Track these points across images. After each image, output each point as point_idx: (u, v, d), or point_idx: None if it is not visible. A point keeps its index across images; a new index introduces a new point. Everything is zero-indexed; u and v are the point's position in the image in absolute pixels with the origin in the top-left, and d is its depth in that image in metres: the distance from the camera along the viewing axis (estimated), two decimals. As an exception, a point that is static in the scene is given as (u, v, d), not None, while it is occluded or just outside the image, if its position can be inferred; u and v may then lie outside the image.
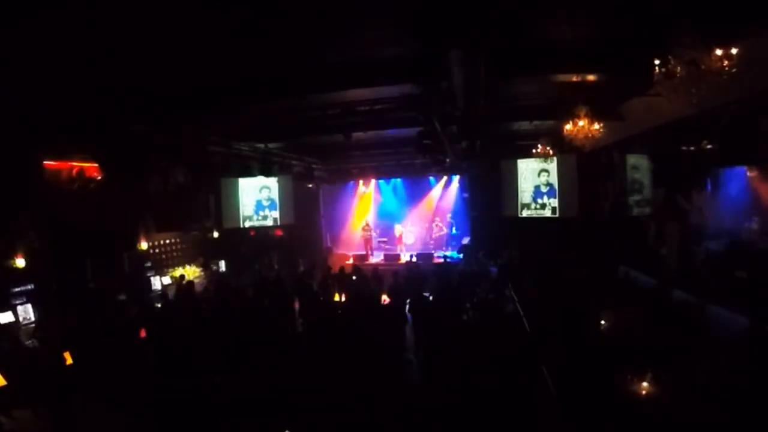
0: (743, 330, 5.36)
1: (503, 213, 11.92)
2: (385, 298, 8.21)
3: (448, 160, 10.34)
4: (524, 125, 8.77)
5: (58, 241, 7.59)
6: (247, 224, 12.73)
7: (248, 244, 12.91)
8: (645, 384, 4.63)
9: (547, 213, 10.90)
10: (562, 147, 7.84)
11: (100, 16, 4.01)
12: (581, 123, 6.36)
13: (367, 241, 15.45)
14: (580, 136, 6.39)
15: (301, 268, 11.45)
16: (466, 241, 14.52)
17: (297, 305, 8.44)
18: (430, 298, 7.95)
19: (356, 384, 5.28)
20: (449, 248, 15.02)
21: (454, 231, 15.43)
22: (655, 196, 7.98)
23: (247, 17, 4.30)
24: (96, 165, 8.09)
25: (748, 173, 6.27)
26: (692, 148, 6.68)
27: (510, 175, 11.79)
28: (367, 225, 15.59)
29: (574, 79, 5.84)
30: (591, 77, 5.79)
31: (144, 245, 9.69)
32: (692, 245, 7.04)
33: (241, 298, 8.46)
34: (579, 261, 9.25)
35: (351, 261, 14.21)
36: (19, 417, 5.34)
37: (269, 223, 12.93)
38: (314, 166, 13.24)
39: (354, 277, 9.53)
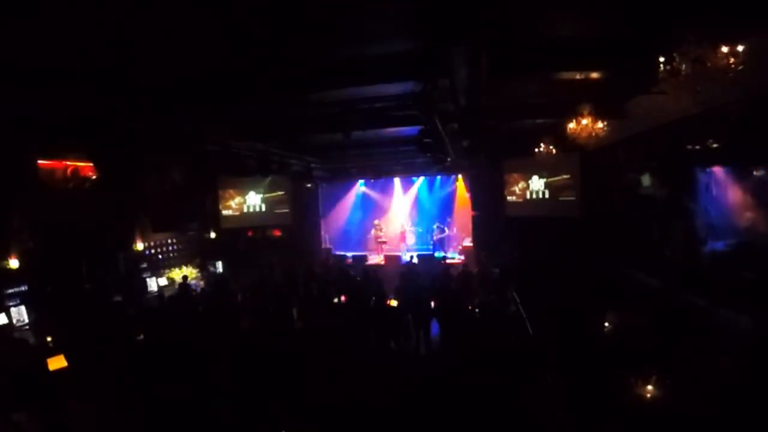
0: (748, 331, 5.30)
1: (505, 213, 11.85)
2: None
3: (449, 159, 10.25)
4: (527, 123, 8.67)
5: (52, 241, 7.50)
6: (245, 224, 12.67)
7: (246, 244, 12.83)
8: (649, 386, 4.57)
9: (550, 213, 10.83)
10: (565, 146, 7.76)
11: (96, 14, 3.93)
12: (584, 121, 6.28)
13: (378, 240, 15.47)
14: (584, 134, 6.31)
15: (303, 269, 11.35)
16: (467, 242, 14.43)
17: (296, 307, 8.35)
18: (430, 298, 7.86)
19: (355, 384, 5.23)
20: (450, 249, 14.91)
21: (454, 231, 15.33)
22: (659, 195, 7.90)
23: (244, 16, 4.21)
24: (91, 164, 8.00)
25: (755, 172, 6.20)
26: (697, 146, 6.61)
27: (512, 174, 11.74)
28: (379, 225, 15.58)
29: (578, 76, 5.76)
30: (595, 75, 5.70)
31: (140, 246, 9.61)
32: (697, 245, 6.97)
33: (238, 300, 8.37)
34: (582, 262, 9.17)
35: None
36: (16, 420, 5.24)
37: (267, 223, 12.87)
38: (313, 165, 13.13)
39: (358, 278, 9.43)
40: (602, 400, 4.20)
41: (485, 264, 11.02)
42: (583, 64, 5.50)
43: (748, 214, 6.25)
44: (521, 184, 11.54)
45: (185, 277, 9.50)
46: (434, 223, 15.09)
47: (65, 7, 3.82)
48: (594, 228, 10.01)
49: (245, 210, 12.48)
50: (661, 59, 3.84)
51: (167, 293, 9.16)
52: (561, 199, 10.69)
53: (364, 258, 14.76)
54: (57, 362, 5.67)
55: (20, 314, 7.11)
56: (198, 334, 6.95)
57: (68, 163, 7.89)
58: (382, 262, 14.30)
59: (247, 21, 4.38)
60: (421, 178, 15.95)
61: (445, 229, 14.85)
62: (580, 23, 4.78)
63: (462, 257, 13.94)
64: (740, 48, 3.54)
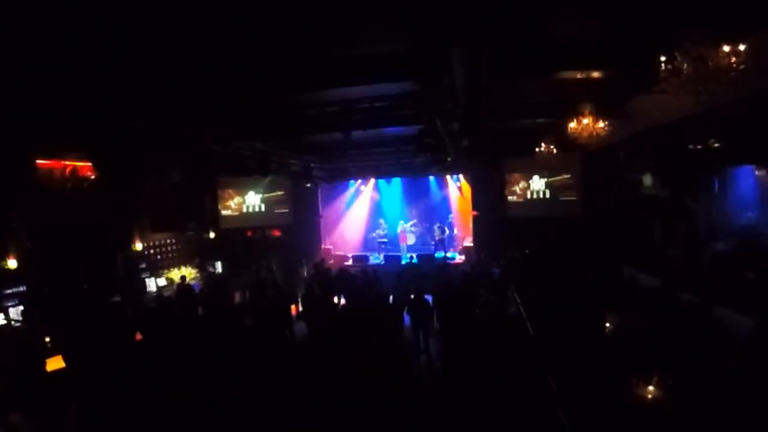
0: (750, 331, 5.28)
1: (506, 213, 11.83)
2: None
3: (449, 158, 10.23)
4: (527, 123, 8.65)
5: (50, 241, 7.48)
6: (244, 224, 12.63)
7: (245, 244, 12.79)
8: (650, 386, 4.55)
9: (551, 213, 10.80)
10: (567, 145, 7.73)
11: (96, 14, 3.91)
12: (585, 121, 6.26)
13: (378, 240, 15.48)
14: (585, 134, 6.29)
15: (304, 270, 11.34)
16: (468, 241, 14.41)
17: (294, 308, 8.34)
18: (430, 299, 7.85)
19: (355, 384, 5.22)
20: (451, 249, 14.90)
21: (455, 231, 15.31)
22: (660, 195, 7.88)
23: (244, 16, 4.20)
24: (89, 164, 7.95)
25: (757, 172, 6.17)
26: (699, 146, 6.59)
27: (513, 174, 11.71)
28: (382, 225, 15.59)
29: (578, 76, 5.72)
30: (595, 74, 5.67)
31: (138, 246, 9.58)
32: (699, 246, 6.95)
33: (235, 300, 8.36)
34: (584, 262, 9.15)
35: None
36: (13, 421, 5.22)
37: (266, 223, 12.82)
38: (312, 165, 13.12)
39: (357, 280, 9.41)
40: (602, 401, 4.19)
41: (485, 264, 11.00)
42: (583, 63, 5.47)
43: (750, 214, 6.23)
44: (522, 184, 11.52)
45: (183, 278, 9.48)
46: (435, 224, 15.09)
47: (65, 7, 3.80)
48: (595, 228, 9.98)
49: (244, 210, 12.45)
50: (663, 58, 3.82)
51: (166, 293, 9.14)
52: (562, 198, 10.67)
53: (364, 258, 14.74)
54: (55, 363, 5.65)
55: (18, 315, 7.09)
56: (197, 335, 6.94)
57: (67, 162, 7.84)
58: (382, 262, 14.28)
59: (247, 21, 4.36)
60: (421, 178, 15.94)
61: (445, 229, 14.84)
62: (581, 23, 4.76)
63: (462, 257, 13.93)
64: (742, 47, 3.51)
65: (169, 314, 7.75)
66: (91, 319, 6.94)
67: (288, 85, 6.03)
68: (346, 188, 16.55)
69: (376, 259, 14.98)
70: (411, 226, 15.63)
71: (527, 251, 10.88)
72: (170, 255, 10.77)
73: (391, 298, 8.07)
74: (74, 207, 7.69)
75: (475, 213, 13.70)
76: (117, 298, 8.27)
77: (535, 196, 11.22)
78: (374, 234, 15.76)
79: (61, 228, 7.55)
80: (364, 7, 4.20)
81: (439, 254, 14.38)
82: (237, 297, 9.04)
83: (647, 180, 8.36)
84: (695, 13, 3.64)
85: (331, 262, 14.00)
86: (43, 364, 5.49)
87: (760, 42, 3.69)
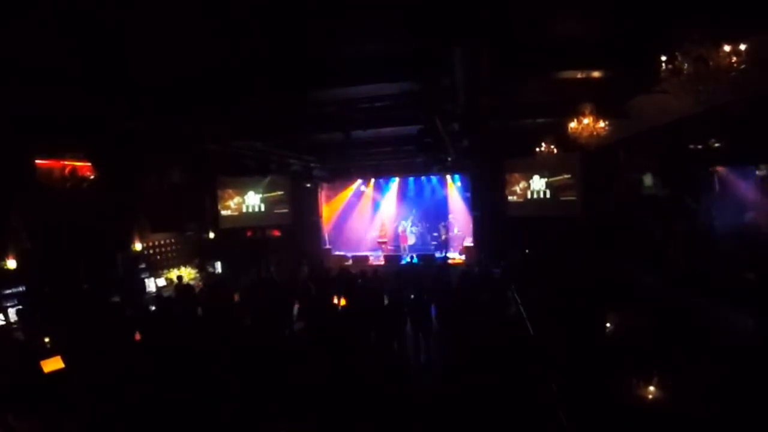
0: (750, 331, 5.28)
1: (506, 213, 11.82)
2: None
3: (449, 158, 10.24)
4: (527, 123, 8.65)
5: (50, 241, 7.48)
6: (244, 224, 12.63)
7: (245, 245, 12.79)
8: (650, 386, 4.56)
9: (551, 213, 10.80)
10: (567, 145, 7.74)
11: (92, 12, 3.91)
12: (586, 121, 6.27)
13: (378, 240, 15.48)
14: (585, 134, 6.30)
15: (304, 269, 11.33)
16: (468, 242, 14.40)
17: (295, 308, 8.33)
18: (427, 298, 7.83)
19: (356, 385, 5.21)
20: (451, 249, 14.90)
21: (455, 231, 15.31)
22: (661, 195, 7.88)
23: (244, 16, 4.20)
24: (89, 164, 7.95)
25: (757, 172, 6.18)
26: (700, 146, 6.60)
27: (513, 174, 11.71)
28: (383, 225, 15.59)
29: (579, 75, 5.73)
30: (596, 74, 5.67)
31: (138, 246, 9.58)
32: (699, 246, 6.95)
33: (235, 300, 8.35)
34: (584, 262, 9.14)
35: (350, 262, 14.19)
36: (12, 422, 5.21)
37: (266, 223, 12.83)
38: (312, 165, 13.11)
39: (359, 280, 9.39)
40: (602, 401, 4.19)
41: (485, 264, 11.00)
42: (583, 63, 5.47)
43: (750, 214, 6.24)
44: (522, 184, 11.52)
45: (180, 278, 9.47)
46: (440, 223, 15.09)
47: (65, 7, 3.80)
48: (595, 228, 9.98)
49: (244, 210, 12.44)
50: (663, 58, 3.82)
51: (166, 294, 9.14)
52: (562, 198, 10.66)
53: (364, 258, 14.73)
54: (54, 363, 5.64)
55: (18, 315, 7.08)
56: (196, 335, 6.94)
57: (66, 162, 7.84)
58: (382, 262, 14.28)
59: (247, 21, 4.36)
60: (422, 177, 15.95)
61: (447, 229, 14.87)
62: (581, 23, 4.77)
63: (462, 257, 13.93)
64: (742, 47, 3.52)
65: (168, 314, 7.75)
66: (91, 319, 6.93)
67: (288, 85, 6.03)
68: (346, 188, 16.55)
69: (376, 258, 15.00)
70: (411, 225, 15.64)
71: (527, 251, 10.87)
72: (170, 255, 10.77)
73: (390, 298, 8.05)
74: (74, 207, 7.68)
75: (473, 213, 13.70)
76: (117, 299, 8.26)
77: (535, 196, 11.22)
78: (372, 234, 15.75)
79: (61, 228, 7.55)
80: (364, 7, 4.20)
81: (440, 254, 14.38)
82: (236, 297, 9.02)
83: (647, 180, 8.36)
84: (695, 13, 3.65)
85: (326, 264, 13.97)
86: (39, 365, 5.47)
87: (760, 42, 3.70)
